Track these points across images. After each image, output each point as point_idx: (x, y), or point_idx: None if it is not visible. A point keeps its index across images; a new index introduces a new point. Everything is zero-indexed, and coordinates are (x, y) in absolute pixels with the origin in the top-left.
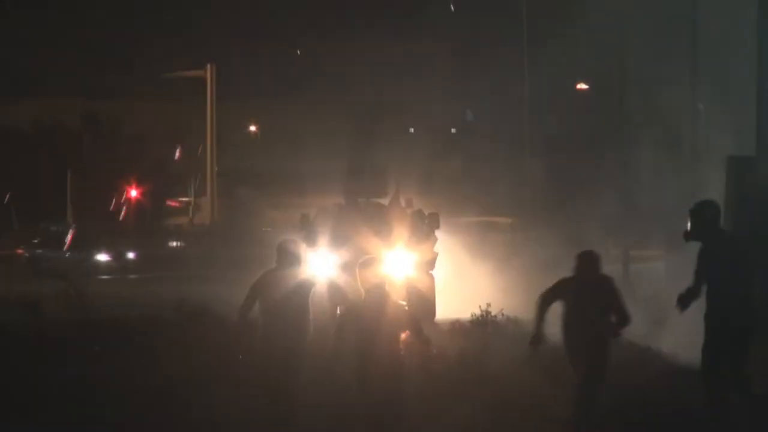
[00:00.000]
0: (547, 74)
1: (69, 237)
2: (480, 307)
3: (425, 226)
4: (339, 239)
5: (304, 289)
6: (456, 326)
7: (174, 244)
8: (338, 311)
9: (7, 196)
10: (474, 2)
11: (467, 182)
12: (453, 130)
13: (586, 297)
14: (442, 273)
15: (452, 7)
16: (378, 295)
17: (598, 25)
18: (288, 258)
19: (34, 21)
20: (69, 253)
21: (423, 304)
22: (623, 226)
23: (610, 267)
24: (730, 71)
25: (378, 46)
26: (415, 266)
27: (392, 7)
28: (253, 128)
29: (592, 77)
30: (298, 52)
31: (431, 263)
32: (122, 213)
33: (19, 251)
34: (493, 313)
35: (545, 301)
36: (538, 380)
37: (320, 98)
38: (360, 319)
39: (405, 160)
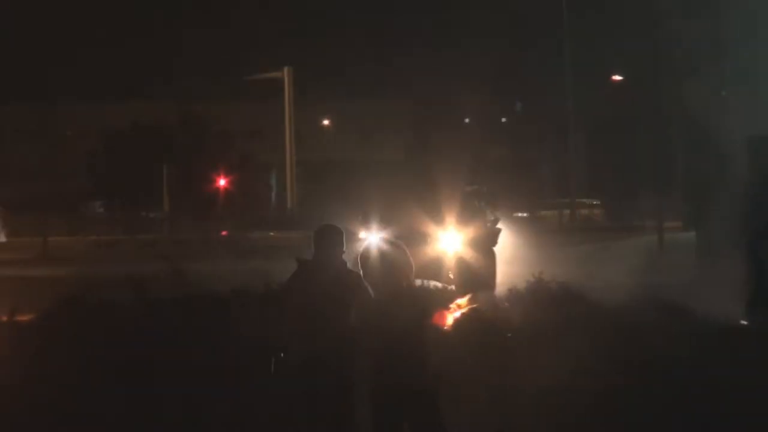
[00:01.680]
0: (586, 65)
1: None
2: (533, 274)
3: (481, 204)
4: (389, 218)
5: None
6: (512, 292)
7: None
8: None
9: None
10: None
11: (515, 168)
12: (503, 120)
13: None
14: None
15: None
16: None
17: (633, 14)
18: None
19: (133, 31)
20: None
21: (477, 280)
22: (658, 203)
23: (647, 238)
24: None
25: (435, 46)
26: (467, 244)
27: (447, 8)
28: (326, 122)
29: (628, 67)
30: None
31: (490, 240)
32: (214, 201)
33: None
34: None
35: None
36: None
37: (386, 94)
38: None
39: (461, 147)
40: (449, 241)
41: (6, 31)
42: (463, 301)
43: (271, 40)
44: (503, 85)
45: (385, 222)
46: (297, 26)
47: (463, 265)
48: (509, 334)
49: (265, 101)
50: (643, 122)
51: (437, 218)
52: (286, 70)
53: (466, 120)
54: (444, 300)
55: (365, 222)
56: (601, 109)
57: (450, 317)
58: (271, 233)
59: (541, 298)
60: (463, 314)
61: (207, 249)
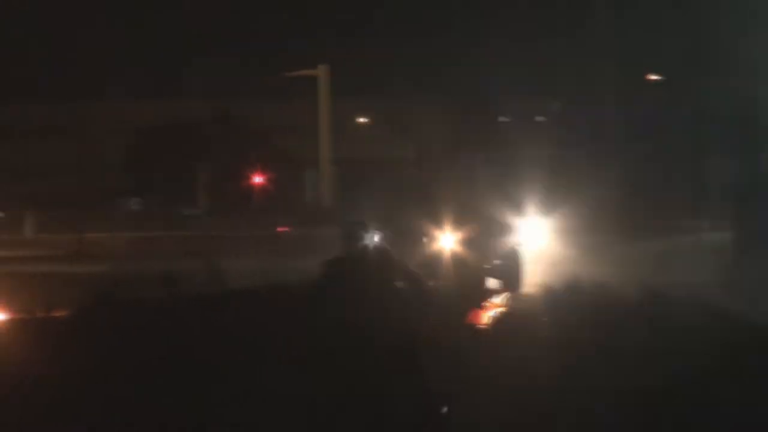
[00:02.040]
0: (623, 65)
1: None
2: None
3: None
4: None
5: None
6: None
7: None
8: None
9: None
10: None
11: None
12: (540, 119)
13: None
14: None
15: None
16: None
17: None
18: None
19: (169, 27)
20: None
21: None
22: (697, 205)
23: (687, 238)
24: None
25: (472, 42)
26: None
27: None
28: (363, 119)
29: (665, 67)
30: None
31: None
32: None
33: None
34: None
35: None
36: None
37: (424, 91)
38: None
39: (497, 145)
40: (445, 239)
41: (38, 27)
42: (498, 300)
43: (307, 36)
44: (541, 83)
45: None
46: (334, 23)
47: (458, 263)
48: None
49: (302, 98)
50: (682, 122)
51: (443, 218)
52: (321, 67)
53: (503, 118)
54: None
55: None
56: (640, 108)
57: (486, 315)
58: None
59: (571, 299)
60: (500, 313)
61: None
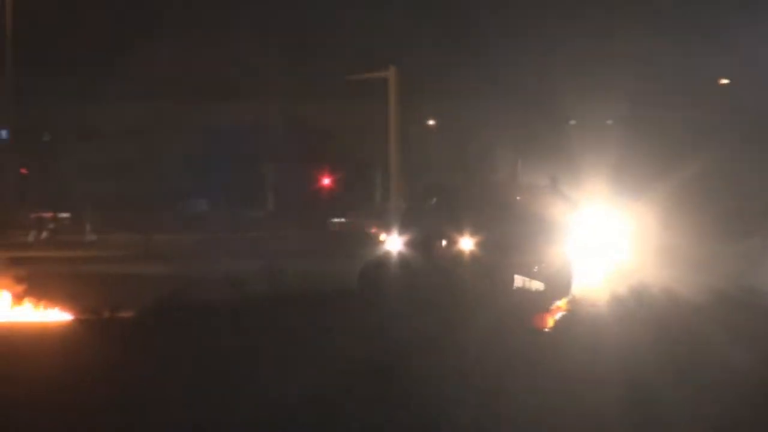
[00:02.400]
0: (692, 69)
1: None
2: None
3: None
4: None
5: None
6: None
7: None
8: None
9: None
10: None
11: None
12: (609, 122)
13: None
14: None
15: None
16: None
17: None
18: None
19: (238, 31)
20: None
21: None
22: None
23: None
24: None
25: (541, 47)
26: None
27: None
28: (431, 122)
29: (738, 72)
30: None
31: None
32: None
33: None
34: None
35: None
36: None
37: (490, 95)
38: None
39: (564, 149)
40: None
41: (97, 29)
42: (562, 302)
43: (376, 40)
44: (610, 87)
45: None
46: (403, 26)
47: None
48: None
49: (372, 101)
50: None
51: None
52: (391, 69)
53: (571, 122)
54: None
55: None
56: (704, 114)
57: (551, 319)
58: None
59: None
60: (563, 315)
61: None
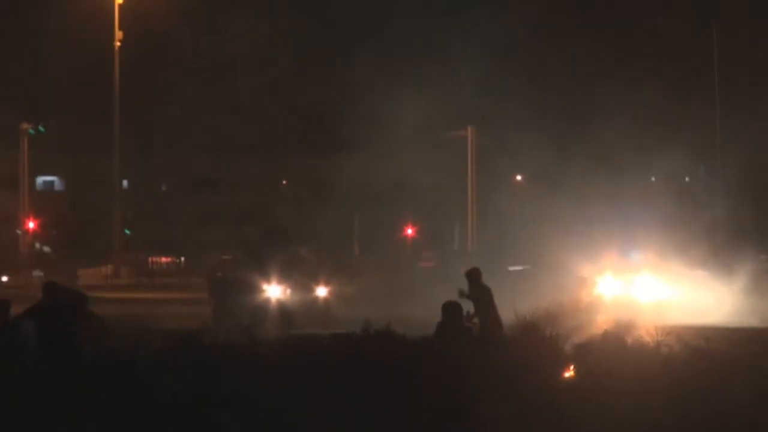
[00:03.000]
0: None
1: None
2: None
3: None
4: None
5: None
6: None
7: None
8: None
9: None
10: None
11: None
12: (687, 179)
13: None
14: None
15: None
16: None
17: None
18: None
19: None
20: None
21: None
22: None
23: None
24: None
25: (618, 98)
26: None
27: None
28: (519, 177)
29: None
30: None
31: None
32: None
33: None
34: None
35: None
36: None
37: (569, 149)
38: None
39: (648, 207)
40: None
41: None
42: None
43: (460, 96)
44: (688, 144)
45: None
46: (486, 81)
47: None
48: None
49: (457, 156)
50: None
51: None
52: (469, 129)
53: (653, 179)
54: None
55: None
56: None
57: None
58: None
59: None
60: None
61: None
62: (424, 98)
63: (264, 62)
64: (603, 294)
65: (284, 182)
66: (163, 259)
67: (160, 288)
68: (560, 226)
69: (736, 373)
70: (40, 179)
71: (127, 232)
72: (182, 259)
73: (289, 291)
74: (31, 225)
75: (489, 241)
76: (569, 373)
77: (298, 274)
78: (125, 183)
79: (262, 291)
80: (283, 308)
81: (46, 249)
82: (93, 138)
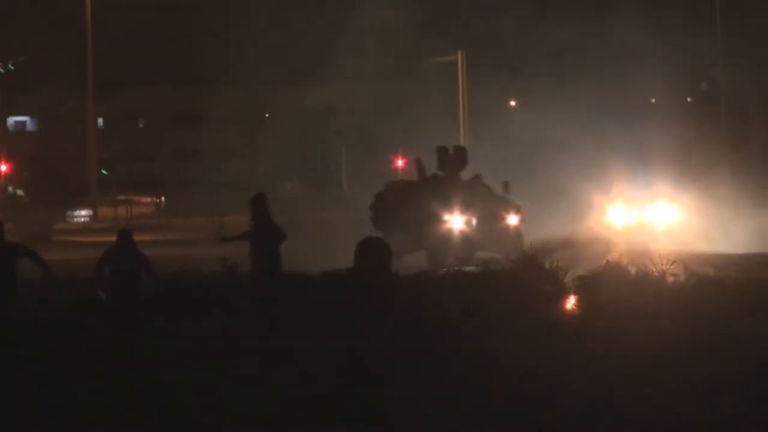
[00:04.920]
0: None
1: None
2: None
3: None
4: None
5: None
6: None
7: None
8: None
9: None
10: None
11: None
12: (689, 99)
13: None
14: None
15: None
16: None
17: None
18: None
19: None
20: None
21: None
22: None
23: None
24: None
25: (617, 25)
26: None
27: None
28: (513, 102)
29: None
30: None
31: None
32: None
33: None
34: None
35: None
36: None
37: (570, 75)
38: None
39: (645, 128)
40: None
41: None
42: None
43: (451, 21)
44: (688, 64)
45: None
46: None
47: None
48: None
49: (444, 82)
50: None
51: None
52: (459, 53)
53: (653, 100)
54: None
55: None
56: None
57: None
58: None
59: None
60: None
61: None
62: (414, 25)
63: None
64: (614, 223)
65: (267, 115)
66: (143, 199)
67: (142, 229)
68: (559, 151)
69: (741, 301)
70: (11, 120)
71: (104, 172)
72: (162, 198)
73: (474, 220)
74: (2, 168)
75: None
76: (570, 305)
77: (483, 200)
78: (100, 121)
79: (444, 221)
80: (467, 239)
81: (20, 192)
82: (65, 75)
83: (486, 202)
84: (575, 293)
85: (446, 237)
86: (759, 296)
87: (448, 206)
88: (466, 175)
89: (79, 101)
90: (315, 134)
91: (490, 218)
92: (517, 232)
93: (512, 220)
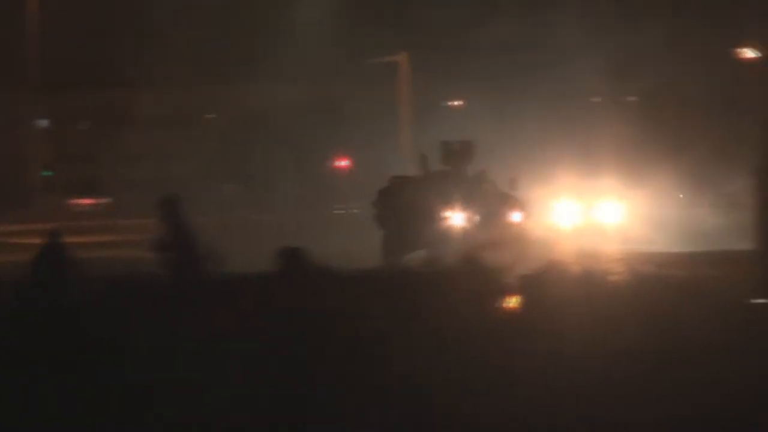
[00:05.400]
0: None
1: None
2: None
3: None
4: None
5: None
6: None
7: None
8: None
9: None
10: None
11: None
12: (631, 98)
13: None
14: None
15: None
16: None
17: None
18: None
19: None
20: None
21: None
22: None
23: None
24: None
25: (555, 23)
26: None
27: None
28: (456, 103)
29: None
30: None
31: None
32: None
33: None
34: None
35: None
36: None
37: (515, 75)
38: None
39: (591, 127)
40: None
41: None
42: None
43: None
44: (629, 63)
45: None
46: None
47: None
48: None
49: (389, 83)
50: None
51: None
52: (402, 54)
53: (595, 99)
54: None
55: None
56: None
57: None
58: None
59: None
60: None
61: None
62: (357, 24)
63: None
64: (560, 221)
65: (206, 116)
66: (86, 201)
67: (86, 232)
68: (504, 150)
69: (682, 300)
70: None
71: (47, 174)
72: (107, 200)
73: (477, 217)
74: None
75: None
76: (511, 305)
77: (486, 196)
78: (44, 122)
79: (444, 218)
80: (469, 236)
81: None
82: (6, 75)
83: (489, 198)
84: (518, 293)
85: (446, 234)
86: (701, 294)
87: (449, 203)
88: (472, 170)
89: (21, 103)
90: (255, 134)
91: (492, 215)
92: (520, 229)
93: (515, 217)
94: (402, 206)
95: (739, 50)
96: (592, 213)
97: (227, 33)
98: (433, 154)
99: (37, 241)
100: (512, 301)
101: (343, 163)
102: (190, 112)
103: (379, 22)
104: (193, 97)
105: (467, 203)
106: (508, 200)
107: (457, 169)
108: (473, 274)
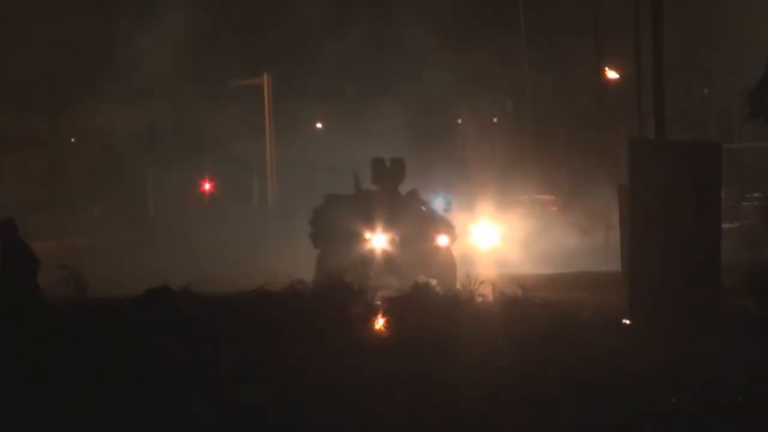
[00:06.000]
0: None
1: None
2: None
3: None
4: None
5: None
6: None
7: None
8: None
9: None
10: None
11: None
12: (495, 120)
13: None
14: None
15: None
16: None
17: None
18: None
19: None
20: None
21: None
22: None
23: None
24: None
25: (425, 46)
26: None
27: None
28: (319, 125)
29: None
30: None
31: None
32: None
33: None
34: None
35: None
36: None
37: (376, 96)
38: None
39: (454, 147)
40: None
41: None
42: None
43: (256, 43)
44: (494, 84)
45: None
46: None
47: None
48: None
49: (253, 104)
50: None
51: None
52: (265, 76)
53: (459, 120)
54: None
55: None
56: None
57: None
58: None
59: None
60: None
61: None
62: (219, 47)
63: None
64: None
65: (72, 140)
66: None
67: None
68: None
69: (545, 322)
70: None
71: None
72: None
73: (398, 239)
74: None
75: (291, 194)
76: (377, 326)
77: (412, 217)
78: None
79: (365, 239)
80: (391, 260)
81: None
82: None
83: (417, 220)
84: (383, 315)
85: (368, 256)
86: (564, 314)
87: (371, 223)
88: (404, 189)
89: None
90: (122, 157)
91: (418, 237)
92: (447, 253)
93: (442, 240)
94: (331, 225)
95: (600, 69)
96: (468, 237)
97: (95, 54)
98: (365, 173)
99: None
100: (373, 323)
101: (208, 186)
102: (56, 136)
103: (246, 44)
104: (61, 120)
105: (392, 224)
106: (437, 223)
107: (387, 188)
108: (335, 297)
